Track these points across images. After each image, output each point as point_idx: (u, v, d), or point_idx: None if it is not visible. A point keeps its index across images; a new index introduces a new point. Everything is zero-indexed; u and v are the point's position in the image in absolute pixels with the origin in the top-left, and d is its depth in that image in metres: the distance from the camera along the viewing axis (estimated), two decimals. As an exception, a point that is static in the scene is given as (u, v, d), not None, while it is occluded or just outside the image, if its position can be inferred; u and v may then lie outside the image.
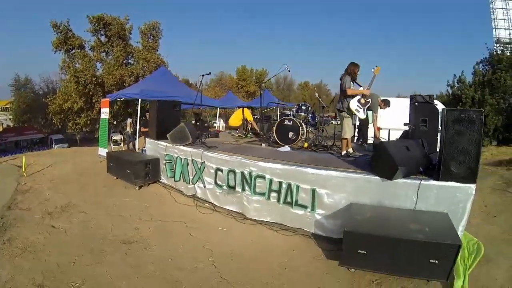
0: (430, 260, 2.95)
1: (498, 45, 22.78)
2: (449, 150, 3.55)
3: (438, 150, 4.36)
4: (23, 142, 23.93)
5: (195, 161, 5.34)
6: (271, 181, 4.37)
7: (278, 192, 4.34)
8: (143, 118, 8.93)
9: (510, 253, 3.59)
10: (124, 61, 19.67)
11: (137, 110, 18.47)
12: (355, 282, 3.32)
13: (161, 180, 6.40)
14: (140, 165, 5.98)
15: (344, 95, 4.97)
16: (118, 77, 17.48)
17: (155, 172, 6.26)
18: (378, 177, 3.77)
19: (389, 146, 3.78)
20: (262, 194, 4.48)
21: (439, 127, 4.81)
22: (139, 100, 7.99)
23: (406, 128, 5.49)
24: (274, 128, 6.24)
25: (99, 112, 18.22)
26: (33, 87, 37.42)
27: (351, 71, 5.04)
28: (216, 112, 15.73)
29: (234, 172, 4.75)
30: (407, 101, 5.65)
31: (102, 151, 9.44)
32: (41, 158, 9.28)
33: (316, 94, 7.23)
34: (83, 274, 3.48)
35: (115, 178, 6.81)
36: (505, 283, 3.11)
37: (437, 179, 3.61)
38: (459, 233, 3.41)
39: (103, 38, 19.55)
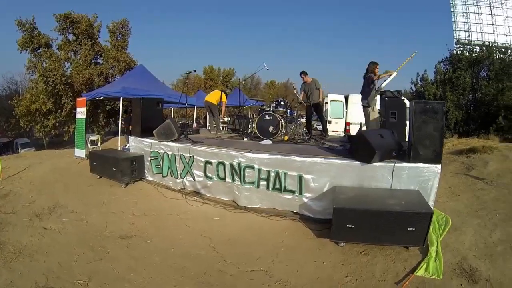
0: (408, 228, 3.46)
1: (458, 46, 24.50)
2: (417, 136, 4.07)
3: (406, 138, 4.94)
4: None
5: (183, 155, 5.58)
6: (259, 170, 4.72)
7: (267, 180, 4.70)
8: (124, 116, 8.97)
9: (473, 222, 4.17)
10: (93, 61, 19.25)
11: (107, 110, 18.36)
12: (344, 254, 3.74)
13: (145, 178, 6.54)
14: (126, 162, 6.10)
15: (368, 92, 5.79)
16: (87, 76, 17.09)
17: (140, 169, 6.41)
18: (357, 162, 4.24)
19: (366, 134, 4.26)
20: (252, 183, 4.82)
21: (407, 119, 5.44)
22: (121, 98, 8.05)
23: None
24: (255, 123, 6.61)
25: (68, 114, 17.86)
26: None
27: (372, 69, 5.75)
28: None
29: (223, 164, 5.05)
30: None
31: (79, 152, 9.34)
32: (13, 161, 9.01)
33: (294, 90, 7.71)
34: (88, 271, 3.61)
35: (98, 177, 6.84)
36: (471, 246, 3.67)
37: (408, 161, 4.13)
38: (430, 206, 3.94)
39: (70, 37, 19.03)
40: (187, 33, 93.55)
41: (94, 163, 6.87)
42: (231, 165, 4.95)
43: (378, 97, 6.24)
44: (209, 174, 5.28)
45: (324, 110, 9.71)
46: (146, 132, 6.43)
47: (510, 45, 26.76)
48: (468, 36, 23.83)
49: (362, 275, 3.42)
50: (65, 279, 3.49)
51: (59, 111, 17.81)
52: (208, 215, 4.92)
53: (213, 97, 8.08)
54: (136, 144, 6.60)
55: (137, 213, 5.13)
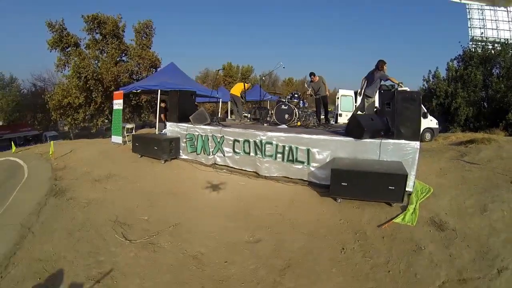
0: (389, 187, 4.76)
1: (472, 43, 25.12)
2: (399, 118, 5.42)
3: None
4: (19, 140, 24.71)
5: (215, 136, 7.08)
6: (277, 145, 6.17)
7: (282, 153, 6.14)
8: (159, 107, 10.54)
9: (452, 193, 5.30)
10: (118, 59, 21.08)
11: (132, 104, 20.10)
12: (340, 207, 5.12)
13: (180, 156, 8.06)
14: (166, 142, 7.63)
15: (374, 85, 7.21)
16: (115, 73, 18.89)
17: (177, 149, 7.93)
18: (352, 138, 5.62)
19: (358, 116, 5.64)
20: (271, 156, 6.28)
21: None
22: (159, 91, 9.62)
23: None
24: (274, 111, 8.06)
25: (97, 108, 19.73)
26: (19, 86, 38.00)
27: (381, 66, 7.09)
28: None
29: (248, 141, 6.52)
30: None
31: (116, 139, 10.99)
32: (56, 147, 10.66)
33: (306, 85, 9.23)
34: (147, 213, 5.16)
35: (139, 156, 8.42)
36: (445, 207, 4.85)
37: (392, 138, 5.47)
38: (411, 177, 5.24)
39: (97, 37, 20.89)
40: (205, 31, 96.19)
41: (137, 144, 8.45)
42: (255, 142, 6.42)
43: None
44: (237, 150, 6.76)
45: (336, 104, 11.09)
46: (182, 118, 7.96)
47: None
48: (482, 33, 24.37)
49: (352, 220, 4.78)
50: (131, 217, 5.04)
51: (87, 105, 19.70)
52: (236, 182, 6.40)
53: (237, 89, 9.51)
54: (173, 129, 8.13)
55: (178, 180, 6.66)
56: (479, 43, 24.35)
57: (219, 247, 4.12)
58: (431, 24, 78.82)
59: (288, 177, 6.21)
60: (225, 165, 7.07)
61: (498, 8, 27.62)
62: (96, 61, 20.40)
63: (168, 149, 7.66)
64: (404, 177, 4.74)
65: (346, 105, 12.91)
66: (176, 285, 3.43)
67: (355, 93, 12.54)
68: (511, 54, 19.98)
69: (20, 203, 5.75)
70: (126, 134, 11.03)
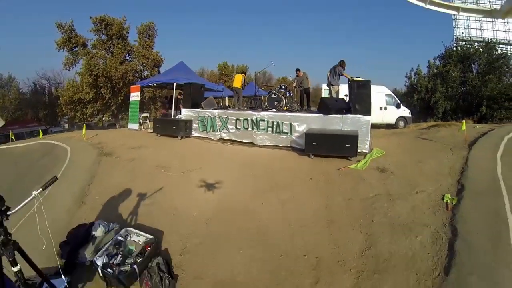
0: (346, 145, 7.25)
1: (455, 42, 27.76)
2: (355, 99, 7.97)
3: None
4: (26, 135, 26.99)
5: (222, 117, 9.61)
6: (268, 121, 8.72)
7: (272, 127, 8.67)
8: (165, 100, 13.07)
9: (399, 154, 7.68)
10: (123, 58, 23.54)
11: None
12: (313, 161, 7.57)
13: (193, 135, 10.54)
14: (182, 122, 10.14)
15: (336, 77, 9.96)
16: (123, 71, 21.37)
17: (190, 128, 10.42)
18: (322, 114, 8.16)
19: (325, 99, 8.22)
20: (263, 129, 8.81)
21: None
22: (174, 84, 12.17)
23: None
24: (266, 99, 10.61)
25: (104, 103, 22.18)
26: (17, 85, 40.33)
27: (342, 64, 9.83)
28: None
29: (247, 119, 9.06)
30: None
31: (133, 126, 13.49)
32: (79, 133, 12.97)
33: (294, 84, 11.89)
34: (177, 162, 7.62)
35: (158, 136, 10.88)
36: (390, 162, 7.12)
37: (351, 114, 8.01)
38: (366, 142, 7.71)
39: (103, 37, 23.34)
40: (201, 30, 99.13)
41: (157, 125, 10.96)
42: (251, 119, 8.96)
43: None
44: (238, 127, 9.30)
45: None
46: (194, 105, 10.49)
47: (509, 41, 30.13)
48: (462, 33, 27.08)
49: (321, 167, 7.24)
50: (167, 165, 7.48)
51: (96, 100, 22.14)
52: (237, 149, 8.91)
53: (238, 81, 11.99)
54: (187, 113, 10.64)
55: (195, 148, 9.16)
56: (462, 42, 27.10)
57: (231, 178, 6.63)
58: (419, 24, 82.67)
59: (277, 145, 8.74)
60: (229, 139, 9.60)
61: (496, 20, 30.29)
62: (103, 60, 22.84)
63: (184, 128, 10.15)
64: (356, 137, 7.23)
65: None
66: (200, 192, 5.94)
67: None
68: (487, 53, 22.76)
69: (80, 161, 8.20)
70: (141, 121, 13.52)
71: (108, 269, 3.72)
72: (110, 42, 23.12)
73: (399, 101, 16.07)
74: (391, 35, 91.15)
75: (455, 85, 22.39)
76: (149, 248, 4.09)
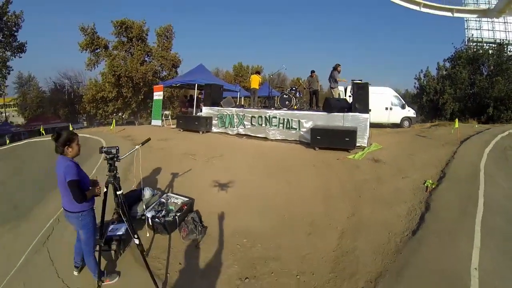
0: (346, 138, 8.71)
1: (466, 44, 28.60)
2: (355, 99, 9.41)
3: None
4: (50, 131, 29.03)
5: (239, 114, 11.17)
6: (279, 118, 10.23)
7: (283, 124, 10.19)
8: (186, 99, 14.72)
9: (395, 149, 9.05)
10: (143, 59, 25.37)
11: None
12: (317, 152, 9.03)
13: (212, 131, 12.12)
14: (203, 119, 11.74)
15: (333, 80, 11.32)
16: (143, 72, 23.18)
17: (210, 124, 12.01)
18: (326, 112, 9.63)
19: (329, 99, 9.70)
20: (276, 126, 10.35)
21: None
22: (196, 84, 13.81)
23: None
24: (278, 99, 12.12)
25: (125, 102, 24.01)
26: (37, 84, 42.91)
27: (337, 67, 11.29)
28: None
29: (261, 117, 10.60)
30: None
31: (156, 122, 15.18)
32: (105, 128, 14.64)
33: (304, 85, 13.36)
34: (202, 151, 9.15)
35: (181, 130, 12.48)
36: (386, 154, 8.52)
37: (351, 112, 9.44)
38: (365, 137, 9.13)
39: (123, 39, 25.20)
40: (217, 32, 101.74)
41: (180, 121, 12.59)
42: (265, 117, 10.50)
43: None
44: (253, 123, 10.85)
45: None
46: (214, 103, 12.07)
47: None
48: (472, 34, 28.00)
49: (323, 157, 8.69)
50: (193, 152, 8.99)
51: (116, 99, 23.99)
52: (252, 142, 10.44)
53: (255, 82, 13.45)
54: (207, 111, 12.23)
55: (215, 140, 10.72)
56: (472, 44, 27.96)
57: (246, 163, 8.16)
58: (431, 25, 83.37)
59: (287, 139, 10.26)
60: (245, 134, 11.17)
61: (496, 20, 31.06)
62: (123, 61, 24.69)
63: (205, 124, 11.74)
64: (355, 132, 8.65)
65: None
66: (222, 173, 7.46)
67: (345, 89, 16.51)
68: (496, 55, 23.65)
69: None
70: (164, 118, 15.18)
71: (156, 219, 5.22)
72: (130, 44, 24.96)
73: (404, 102, 17.38)
74: (403, 37, 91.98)
75: (463, 87, 23.26)
76: (185, 207, 5.61)
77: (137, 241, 3.81)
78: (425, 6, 10.20)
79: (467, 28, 32.46)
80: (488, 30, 32.21)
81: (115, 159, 3.77)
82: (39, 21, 72.80)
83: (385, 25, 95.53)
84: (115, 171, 3.79)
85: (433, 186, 6.13)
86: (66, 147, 3.59)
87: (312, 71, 13.32)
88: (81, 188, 3.53)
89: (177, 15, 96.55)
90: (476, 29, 32.29)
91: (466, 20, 32.79)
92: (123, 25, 24.25)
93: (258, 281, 4.25)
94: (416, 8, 10.27)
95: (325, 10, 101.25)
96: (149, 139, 4.88)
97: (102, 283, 3.99)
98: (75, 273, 4.28)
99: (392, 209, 5.63)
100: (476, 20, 32.59)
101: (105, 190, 3.83)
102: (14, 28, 23.32)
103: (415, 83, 25.68)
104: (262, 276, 4.32)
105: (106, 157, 3.76)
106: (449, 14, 10.41)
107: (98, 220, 3.92)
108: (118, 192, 3.79)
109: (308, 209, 5.96)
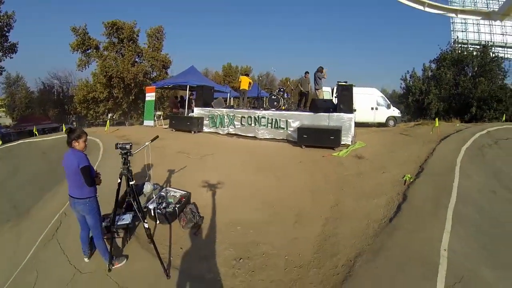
0: (330, 137, 9.39)
1: (451, 45, 29.58)
2: (340, 100, 10.10)
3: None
4: (39, 132, 29.22)
5: (229, 115, 11.78)
6: (268, 119, 10.87)
7: (271, 123, 10.83)
8: (176, 99, 15.28)
9: (378, 146, 9.73)
10: (134, 60, 25.78)
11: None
12: (304, 150, 9.69)
13: (203, 131, 12.70)
14: (195, 119, 12.32)
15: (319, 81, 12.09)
16: (134, 73, 23.62)
17: (202, 124, 12.59)
18: (312, 112, 10.30)
19: (315, 100, 10.38)
20: (264, 125, 10.98)
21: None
22: (187, 86, 14.37)
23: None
24: (267, 100, 12.77)
25: (116, 103, 24.41)
26: (25, 84, 42.88)
27: (321, 70, 11.98)
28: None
29: (250, 117, 11.22)
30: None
31: (148, 122, 15.70)
32: (98, 129, 15.13)
33: (291, 87, 14.01)
34: (195, 149, 9.73)
35: (174, 130, 13.01)
36: (369, 152, 9.17)
37: (336, 112, 10.12)
38: (349, 136, 9.81)
39: (114, 40, 25.57)
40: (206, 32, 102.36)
41: (173, 122, 13.14)
42: (254, 117, 11.12)
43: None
44: (243, 123, 11.47)
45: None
46: (205, 104, 12.65)
47: (506, 43, 32.03)
48: (457, 36, 29.02)
49: (309, 154, 9.35)
50: (186, 150, 9.52)
51: (107, 100, 24.37)
52: (242, 141, 11.07)
53: (245, 84, 14.04)
54: (199, 111, 12.81)
55: (207, 139, 11.31)
56: (457, 46, 28.96)
57: (237, 161, 8.76)
58: (420, 27, 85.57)
59: (275, 138, 10.91)
60: (235, 133, 11.79)
61: (494, 22, 32.05)
62: (114, 62, 25.05)
63: (197, 124, 12.33)
64: (339, 131, 9.37)
65: (326, 97, 17.62)
66: (215, 169, 8.07)
67: (332, 90, 17.22)
68: (480, 56, 24.66)
69: (113, 148, 10.34)
70: (156, 118, 15.71)
71: (158, 210, 5.80)
72: (121, 44, 25.32)
73: (389, 102, 18.22)
74: (390, 37, 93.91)
75: (448, 87, 24.21)
76: (183, 199, 6.18)
77: (146, 225, 4.38)
78: (430, 6, 10.74)
79: (453, 30, 33.45)
80: (474, 32, 33.19)
81: (128, 153, 4.39)
82: (30, 22, 72.48)
83: (373, 24, 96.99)
84: (128, 164, 4.39)
85: (411, 180, 6.65)
86: (74, 141, 4.26)
87: (306, 72, 13.88)
88: (91, 174, 4.21)
89: (167, 15, 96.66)
90: (462, 31, 33.27)
91: (452, 22, 33.78)
92: (114, 26, 24.54)
93: (251, 261, 4.82)
94: (421, 7, 10.83)
95: (316, 10, 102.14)
96: (157, 137, 5.68)
97: (113, 266, 4.50)
98: (86, 259, 4.75)
99: (372, 200, 6.19)
100: (461, 23, 33.76)
101: (119, 181, 4.42)
102: (5, 29, 23.51)
103: (401, 83, 26.58)
104: (255, 257, 4.90)
105: (121, 152, 4.37)
106: (453, 15, 10.97)
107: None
108: (130, 183, 4.40)
109: (295, 201, 6.58)
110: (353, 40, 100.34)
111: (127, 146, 4.38)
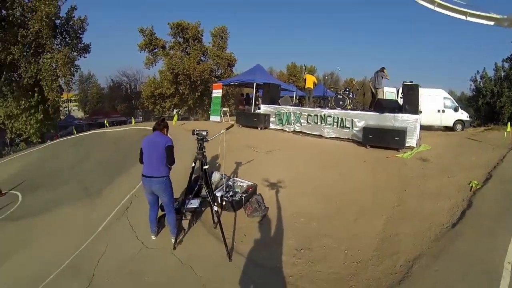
0: (395, 138, 9.82)
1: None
2: (405, 100, 10.48)
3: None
4: (110, 124, 32.37)
5: (296, 112, 12.62)
6: (333, 117, 11.55)
7: (337, 122, 11.48)
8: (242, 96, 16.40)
9: (444, 149, 9.95)
10: (199, 59, 27.57)
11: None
12: (368, 150, 10.14)
13: (270, 127, 13.63)
14: (262, 116, 13.30)
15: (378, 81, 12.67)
16: (200, 70, 25.32)
17: (268, 121, 13.53)
18: (377, 113, 10.79)
19: (382, 100, 10.86)
20: (330, 124, 11.66)
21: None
22: (254, 83, 15.45)
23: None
24: (333, 99, 13.41)
25: (182, 99, 26.31)
26: (96, 81, 47.33)
27: (383, 70, 12.54)
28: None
29: (316, 115, 11.97)
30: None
31: (215, 118, 16.99)
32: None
33: (357, 86, 14.52)
34: (262, 144, 10.66)
35: (240, 126, 14.05)
36: (433, 154, 9.33)
37: (401, 113, 10.51)
38: (414, 137, 10.12)
39: (180, 40, 27.54)
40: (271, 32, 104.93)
41: (240, 118, 14.27)
42: (320, 115, 11.85)
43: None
44: (309, 121, 12.24)
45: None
46: (272, 101, 13.62)
47: None
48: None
49: (373, 154, 9.81)
50: (254, 144, 10.49)
51: (173, 96, 26.35)
52: (308, 139, 11.83)
53: (310, 82, 14.72)
54: (265, 108, 13.79)
55: (273, 137, 12.21)
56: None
57: (303, 157, 9.55)
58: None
59: (340, 137, 11.54)
60: (301, 131, 12.60)
61: None
62: (180, 60, 27.01)
63: (264, 120, 13.30)
64: (404, 132, 9.73)
65: (390, 98, 17.70)
66: (281, 164, 8.92)
67: (397, 91, 17.30)
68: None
69: (182, 140, 11.62)
70: (222, 114, 17.00)
71: (225, 198, 6.26)
72: (187, 44, 27.25)
73: (457, 105, 17.77)
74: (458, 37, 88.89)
75: (522, 89, 22.86)
76: (250, 189, 6.75)
77: (215, 208, 4.90)
78: (440, 5, 10.59)
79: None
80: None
81: (204, 140, 4.90)
82: (102, 24, 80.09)
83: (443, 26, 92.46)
84: (203, 150, 4.90)
85: (477, 187, 6.46)
86: (164, 128, 5.07)
87: (383, 68, 13.63)
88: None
89: (231, 15, 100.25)
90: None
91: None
92: (179, 27, 26.59)
93: (312, 252, 5.15)
94: (431, 6, 10.71)
95: (375, 10, 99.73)
96: (232, 125, 6.51)
97: (177, 245, 5.12)
98: (153, 237, 5.34)
99: (436, 203, 6.24)
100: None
101: (193, 165, 4.97)
102: (79, 31, 26.42)
103: (470, 85, 25.53)
104: (315, 248, 5.24)
105: (197, 138, 4.87)
106: (462, 17, 10.61)
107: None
108: (204, 167, 4.88)
109: (357, 198, 6.91)
110: (415, 40, 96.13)
111: (203, 133, 4.82)
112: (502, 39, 46.80)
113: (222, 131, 6.36)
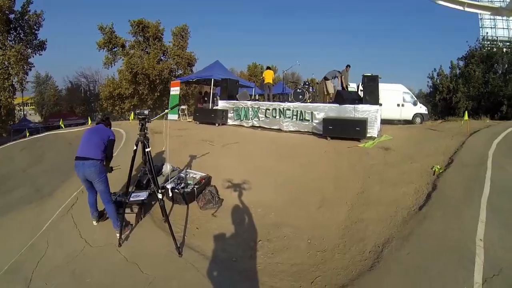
0: (356, 128, 9.29)
1: (483, 42, 28.68)
2: (366, 91, 9.99)
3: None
4: (66, 126, 30.41)
5: (254, 107, 11.86)
6: (292, 111, 10.87)
7: (296, 115, 10.82)
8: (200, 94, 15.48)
9: (404, 139, 9.63)
10: (159, 58, 26.35)
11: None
12: (329, 142, 9.61)
13: (228, 123, 12.82)
14: (220, 112, 12.46)
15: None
16: (159, 70, 24.12)
17: (226, 117, 12.72)
18: (337, 104, 10.23)
19: (342, 92, 10.30)
20: (289, 117, 10.99)
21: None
22: (212, 79, 14.56)
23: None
24: (292, 93, 12.77)
25: (141, 99, 24.97)
26: (54, 83, 44.59)
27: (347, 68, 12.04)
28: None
29: (275, 109, 11.26)
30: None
31: (173, 116, 15.94)
32: (123, 122, 15.61)
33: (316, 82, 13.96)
34: (219, 138, 9.82)
35: (198, 123, 13.20)
36: (395, 143, 9.06)
37: (361, 103, 10.01)
38: (375, 127, 9.67)
39: (140, 39, 26.23)
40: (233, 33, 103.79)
41: (197, 114, 13.37)
42: (279, 109, 11.15)
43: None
44: (267, 115, 11.52)
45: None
46: (230, 97, 12.79)
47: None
48: (487, 33, 28.19)
49: (335, 146, 9.29)
50: (210, 139, 9.66)
51: (132, 97, 24.97)
52: (266, 133, 11.11)
53: (269, 77, 14.06)
54: (223, 104, 12.96)
55: (231, 132, 11.41)
56: (488, 42, 28.07)
57: (261, 149, 8.83)
58: (445, 24, 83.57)
59: (300, 130, 10.89)
60: (259, 126, 11.86)
61: (498, 18, 31.01)
62: (140, 60, 25.70)
63: (221, 116, 12.46)
64: (365, 122, 9.25)
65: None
66: (238, 157, 8.13)
67: (357, 86, 17.00)
68: (510, 53, 23.80)
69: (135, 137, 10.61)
70: (180, 113, 15.98)
71: (175, 190, 5.75)
72: (147, 43, 25.96)
73: (415, 99, 17.81)
74: (417, 36, 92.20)
75: (477, 85, 23.41)
76: (203, 180, 6.23)
77: (160, 196, 4.34)
78: None
79: (481, 27, 32.65)
80: (503, 28, 32.34)
81: (146, 119, 4.41)
82: (59, 21, 75.76)
83: (394, 24, 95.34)
84: (145, 131, 4.41)
85: (440, 171, 6.47)
86: (109, 126, 5.10)
87: (348, 66, 13.39)
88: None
89: (192, 15, 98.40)
90: (491, 27, 32.43)
91: (481, 19, 33.01)
92: (140, 25, 25.28)
93: (271, 243, 4.79)
94: None
95: (332, 10, 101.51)
96: (178, 104, 5.88)
97: (123, 241, 4.68)
98: (94, 223, 5.04)
99: (400, 188, 6.10)
100: (490, 19, 32.78)
101: (134, 148, 4.44)
102: (35, 27, 24.56)
103: (428, 81, 25.95)
104: (275, 239, 4.88)
105: (138, 117, 4.43)
106: (459, 7, 10.46)
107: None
108: (146, 149, 4.37)
109: (319, 186, 6.59)
110: (375, 40, 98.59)
111: (145, 112, 4.42)
112: (458, 39, 48.70)
113: (166, 110, 5.89)
